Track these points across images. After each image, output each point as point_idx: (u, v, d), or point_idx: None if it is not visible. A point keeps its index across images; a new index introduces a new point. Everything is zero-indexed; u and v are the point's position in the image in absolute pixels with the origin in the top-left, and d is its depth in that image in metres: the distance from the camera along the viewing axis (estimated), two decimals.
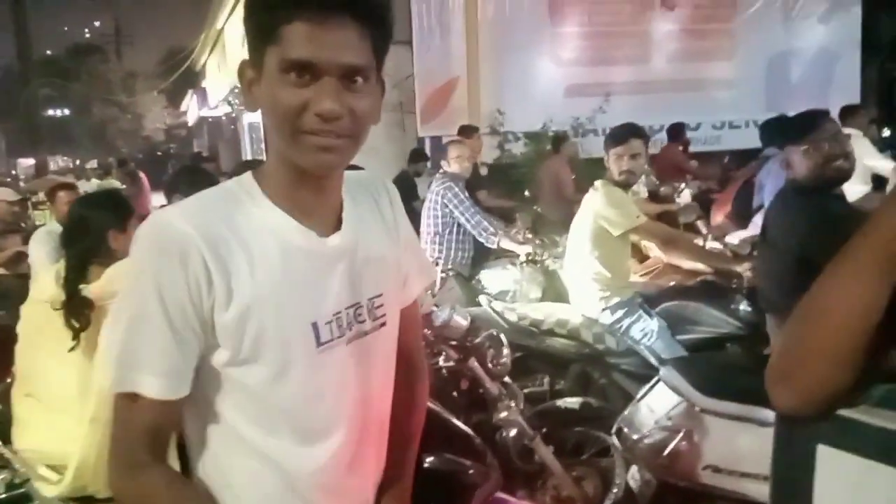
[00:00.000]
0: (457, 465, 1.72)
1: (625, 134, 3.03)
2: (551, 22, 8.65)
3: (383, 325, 1.03)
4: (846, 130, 5.69)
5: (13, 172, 22.01)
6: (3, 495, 1.97)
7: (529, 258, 3.92)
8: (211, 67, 20.10)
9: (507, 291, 3.86)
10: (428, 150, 7.12)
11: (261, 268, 0.90)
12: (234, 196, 0.93)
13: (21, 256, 4.54)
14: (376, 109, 0.92)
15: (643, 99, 8.55)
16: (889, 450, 0.73)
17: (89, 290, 2.03)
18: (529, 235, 4.16)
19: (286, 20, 0.82)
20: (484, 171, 7.05)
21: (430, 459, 1.66)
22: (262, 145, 11.50)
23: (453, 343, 2.20)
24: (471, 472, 1.72)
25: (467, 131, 6.10)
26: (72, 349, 1.97)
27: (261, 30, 0.85)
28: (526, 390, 3.01)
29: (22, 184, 13.36)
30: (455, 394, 2.25)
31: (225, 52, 17.22)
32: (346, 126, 0.87)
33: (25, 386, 2.06)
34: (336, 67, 0.84)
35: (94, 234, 2.12)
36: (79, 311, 1.98)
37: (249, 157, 14.78)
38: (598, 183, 3.09)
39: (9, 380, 2.30)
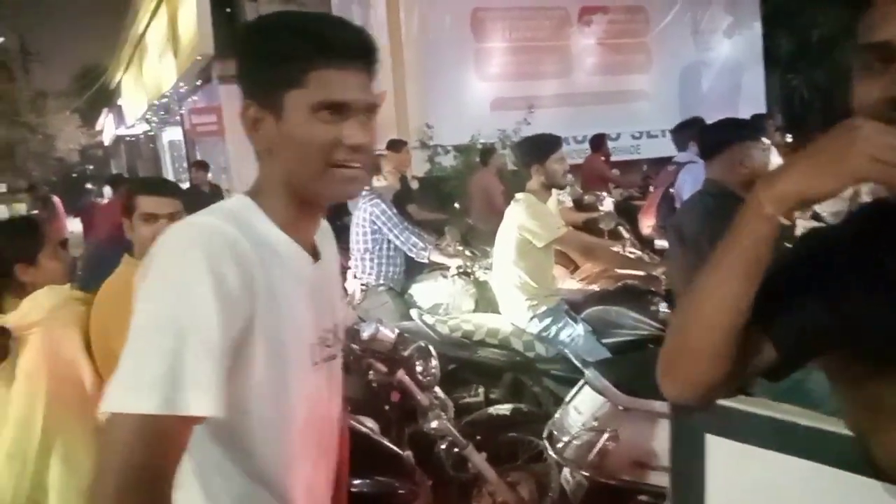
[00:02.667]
0: (386, 487, 1.74)
1: (551, 145, 3.13)
2: (474, 38, 8.85)
3: (341, 346, 1.12)
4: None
5: None
6: None
7: (461, 270, 3.97)
8: (127, 85, 19.39)
9: (441, 304, 3.90)
10: None
11: (277, 288, 0.91)
12: (242, 216, 0.94)
13: None
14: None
15: (565, 111, 8.84)
16: (770, 436, 0.81)
17: (6, 320, 1.93)
18: (460, 248, 4.21)
19: (312, 67, 0.90)
20: (415, 184, 7.09)
21: (358, 482, 1.67)
22: (184, 164, 11.17)
23: (381, 356, 2.22)
24: (400, 492, 1.73)
25: (396, 145, 6.12)
26: None
27: (280, 76, 0.92)
28: (461, 401, 3.07)
29: None
30: (386, 407, 2.27)
31: (142, 67, 16.65)
32: (367, 158, 0.97)
33: None
34: (363, 106, 0.94)
35: (3, 268, 2.02)
36: None
37: (171, 176, 14.30)
38: (519, 195, 3.18)
39: None
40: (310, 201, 0.98)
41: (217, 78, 8.97)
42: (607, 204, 5.22)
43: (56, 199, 9.51)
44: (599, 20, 9.33)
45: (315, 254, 1.03)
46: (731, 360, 0.79)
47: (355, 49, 0.94)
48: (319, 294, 1.02)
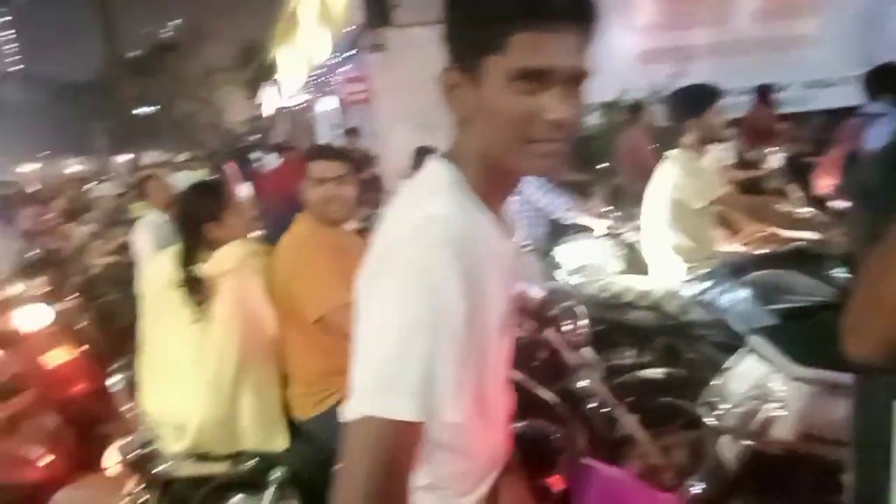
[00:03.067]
0: (541, 431, 1.78)
1: (709, 97, 2.93)
2: None
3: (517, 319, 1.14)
4: None
5: (111, 169, 23.53)
6: (136, 452, 2.20)
7: (608, 232, 3.88)
8: (284, 58, 20.68)
9: (585, 266, 3.85)
10: None
11: (480, 264, 0.88)
12: (459, 195, 0.91)
13: (125, 245, 4.92)
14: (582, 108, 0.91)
15: (723, 61, 8.18)
16: None
17: (202, 270, 2.22)
18: (607, 208, 4.11)
19: (514, 30, 0.82)
20: None
21: (516, 425, 1.72)
22: (338, 131, 11.79)
23: (529, 314, 2.25)
24: (556, 436, 1.77)
25: None
26: (196, 321, 2.17)
27: (481, 39, 0.85)
28: (610, 363, 3.03)
29: (121, 179, 14.27)
30: (534, 364, 2.30)
31: (297, 41, 17.67)
32: (568, 131, 0.87)
33: (148, 356, 2.27)
34: (567, 74, 0.85)
35: (195, 225, 2.31)
36: (196, 289, 2.19)
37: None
38: (672, 153, 3.03)
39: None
40: (505, 174, 0.93)
41: (366, 47, 9.29)
42: (774, 160, 4.80)
43: (228, 166, 10.48)
44: None
45: (506, 225, 1.00)
46: None
47: (566, 9, 0.83)
48: (510, 264, 1.01)
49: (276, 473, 2.14)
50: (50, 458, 2.59)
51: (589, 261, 3.89)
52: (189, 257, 2.26)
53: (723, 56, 8.25)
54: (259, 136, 24.19)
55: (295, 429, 2.19)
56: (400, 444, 0.78)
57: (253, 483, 2.14)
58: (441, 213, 0.86)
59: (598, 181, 5.50)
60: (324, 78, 13.48)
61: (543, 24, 0.82)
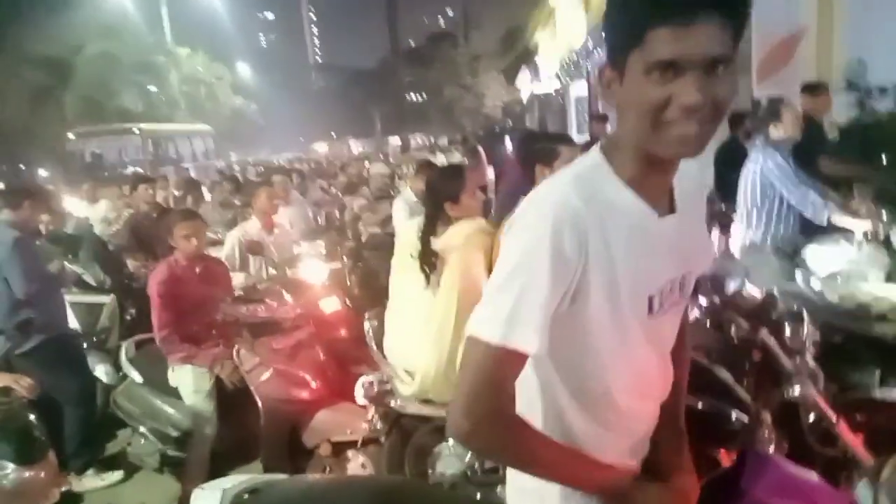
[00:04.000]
0: (722, 410, 1.79)
1: None
2: None
3: (688, 294, 1.21)
4: None
5: (384, 150, 26.41)
6: (377, 388, 2.69)
7: (869, 235, 3.46)
8: (543, 43, 21.09)
9: (838, 272, 3.48)
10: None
11: (613, 245, 1.01)
12: (591, 178, 1.05)
13: (390, 219, 5.69)
14: (735, 88, 0.98)
15: None
16: None
17: (436, 243, 2.61)
18: (873, 208, 3.64)
19: (650, 25, 0.91)
20: (834, 133, 6.19)
21: (692, 400, 1.76)
22: (587, 118, 11.80)
23: (745, 312, 2.21)
24: (737, 420, 1.77)
25: (810, 89, 5.45)
26: (427, 286, 2.58)
27: (624, 37, 0.96)
28: (846, 377, 2.77)
29: (391, 160, 16.02)
30: (746, 365, 2.25)
31: (556, 26, 17.90)
32: (707, 113, 0.95)
33: (392, 310, 2.75)
34: (700, 62, 0.92)
35: (437, 203, 2.69)
36: (429, 260, 2.59)
37: (575, 130, 15.26)
38: None
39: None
40: (652, 159, 1.02)
41: None
42: None
43: (481, 150, 11.20)
44: None
45: (668, 207, 1.09)
46: None
47: (699, 2, 0.90)
48: (667, 246, 1.08)
49: None
50: (317, 383, 3.23)
51: (844, 266, 3.52)
52: (428, 231, 2.66)
53: None
54: (511, 121, 25.03)
55: None
56: (490, 361, 0.98)
57: None
58: (551, 197, 1.03)
59: (872, 175, 4.80)
60: (578, 63, 13.55)
61: (681, 18, 0.90)
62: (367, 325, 2.97)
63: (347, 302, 4.25)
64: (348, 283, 5.14)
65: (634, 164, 1.05)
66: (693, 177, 1.18)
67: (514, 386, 1.01)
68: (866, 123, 6.70)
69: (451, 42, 41.03)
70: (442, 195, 2.70)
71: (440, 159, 13.04)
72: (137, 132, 18.87)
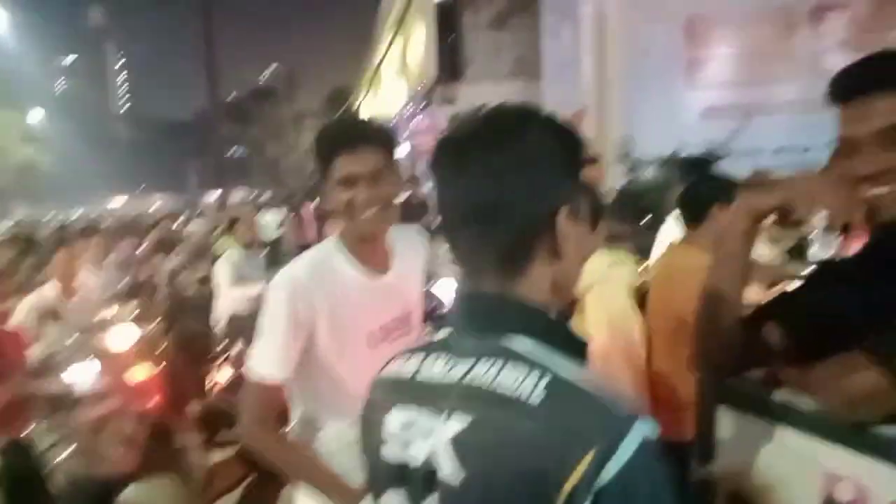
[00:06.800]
0: None
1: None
2: (687, 46, 8.62)
3: (413, 327, 1.66)
4: None
5: (201, 206, 25.17)
6: None
7: None
8: (367, 105, 21.83)
9: None
10: None
11: (338, 301, 1.51)
12: (323, 257, 1.57)
13: (208, 278, 5.50)
14: (399, 186, 1.61)
15: (788, 119, 8.20)
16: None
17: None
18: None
19: (335, 155, 1.50)
20: (610, 198, 7.16)
21: None
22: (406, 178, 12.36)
23: None
24: None
25: (589, 160, 6.28)
26: None
27: (321, 161, 1.53)
28: None
29: (209, 216, 15.34)
30: None
31: (379, 90, 18.70)
32: (383, 204, 1.52)
33: None
34: (367, 175, 1.49)
35: None
36: None
37: None
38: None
39: None
40: (361, 237, 1.55)
41: (437, 100, 9.88)
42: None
43: (307, 207, 11.23)
44: (836, 18, 8.47)
45: (383, 268, 1.59)
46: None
47: (359, 138, 1.50)
48: (381, 295, 1.57)
49: None
50: (125, 456, 3.03)
51: None
52: None
53: (788, 114, 8.26)
54: None
55: None
56: (257, 391, 1.51)
57: None
58: (288, 275, 1.53)
59: (636, 234, 5.64)
60: (398, 127, 14.24)
61: (347, 149, 1.49)
62: None
63: (162, 367, 4.04)
64: (163, 346, 4.86)
65: (353, 242, 1.58)
66: (411, 239, 1.71)
67: (280, 403, 1.52)
68: (635, 190, 7.86)
69: (274, 98, 40.79)
70: None
71: (268, 217, 12.85)
72: None
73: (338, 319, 1.51)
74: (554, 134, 0.81)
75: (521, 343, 0.77)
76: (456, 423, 0.75)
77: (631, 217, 6.93)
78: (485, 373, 0.76)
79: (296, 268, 1.55)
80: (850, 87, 1.02)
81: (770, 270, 3.19)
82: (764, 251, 3.56)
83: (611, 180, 7.19)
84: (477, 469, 0.73)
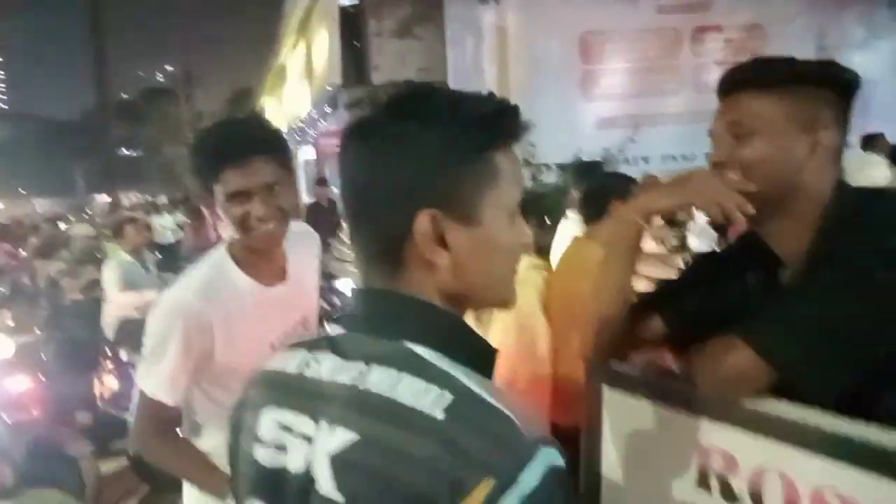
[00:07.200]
0: None
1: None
2: (582, 60, 9.04)
3: (314, 327, 1.64)
4: (870, 158, 5.77)
5: (88, 209, 23.63)
6: None
7: None
8: (270, 108, 21.28)
9: None
10: None
11: (234, 316, 1.43)
12: (215, 273, 1.47)
13: (95, 283, 5.16)
14: (294, 197, 1.48)
15: (674, 129, 8.78)
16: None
17: None
18: None
19: (222, 167, 1.38)
20: None
21: None
22: (315, 180, 12.17)
23: None
24: None
25: None
26: None
27: (205, 172, 1.40)
28: None
29: (98, 220, 14.45)
30: None
31: (282, 93, 18.28)
32: (278, 218, 1.42)
33: None
34: (262, 186, 1.39)
35: None
36: None
37: (304, 191, 15.56)
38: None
39: None
40: (254, 249, 1.47)
41: (343, 105, 9.79)
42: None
43: (205, 210, 10.76)
44: (714, 38, 9.18)
45: (279, 277, 1.52)
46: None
47: (250, 149, 1.37)
48: (279, 305, 1.51)
49: None
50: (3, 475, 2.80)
51: None
52: None
53: (672, 125, 8.84)
54: None
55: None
56: (148, 405, 1.45)
57: None
58: (178, 300, 1.43)
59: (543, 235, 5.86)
60: (304, 130, 13.98)
61: (238, 160, 1.37)
62: None
63: (42, 378, 3.75)
64: (43, 357, 4.51)
65: (245, 255, 1.49)
66: (304, 241, 1.65)
67: (172, 417, 1.48)
68: (537, 194, 8.14)
69: (170, 98, 38.89)
70: None
71: (163, 220, 12.22)
72: None
73: (237, 336, 1.43)
74: (441, 125, 0.70)
75: (421, 349, 0.69)
76: (339, 437, 0.67)
77: (534, 219, 7.21)
78: (378, 381, 0.67)
79: (186, 290, 1.43)
80: (720, 87, 1.14)
81: (657, 263, 3.41)
82: (651, 245, 3.81)
83: None
84: (360, 490, 0.65)
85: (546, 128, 8.54)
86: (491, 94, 0.75)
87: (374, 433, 0.65)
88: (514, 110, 0.74)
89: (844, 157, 1.13)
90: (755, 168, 1.05)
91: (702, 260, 1.52)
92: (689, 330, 1.14)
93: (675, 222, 5.22)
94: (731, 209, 1.03)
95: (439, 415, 0.62)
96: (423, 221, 0.69)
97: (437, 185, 0.69)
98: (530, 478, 0.58)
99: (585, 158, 7.72)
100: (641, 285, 1.54)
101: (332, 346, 0.75)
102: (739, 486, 1.06)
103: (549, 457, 0.60)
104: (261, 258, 1.49)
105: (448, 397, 0.63)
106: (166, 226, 12.00)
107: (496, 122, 0.72)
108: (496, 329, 2.45)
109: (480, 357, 0.73)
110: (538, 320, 2.50)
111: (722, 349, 1.03)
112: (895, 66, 9.44)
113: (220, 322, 1.40)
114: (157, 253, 9.47)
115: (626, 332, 1.21)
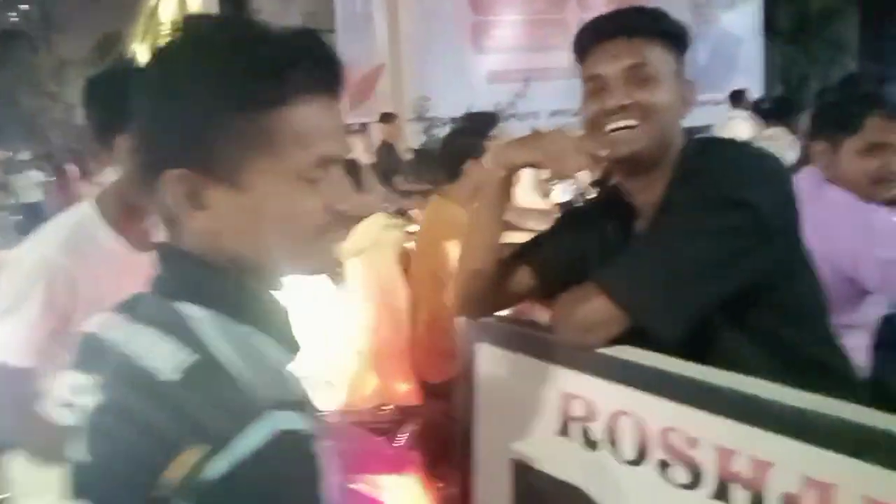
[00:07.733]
0: None
1: None
2: (472, 11, 8.96)
3: None
4: (735, 113, 6.18)
5: None
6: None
7: None
8: (142, 55, 19.68)
9: None
10: None
11: (102, 276, 1.30)
12: (80, 229, 1.36)
13: None
14: None
15: (562, 84, 8.96)
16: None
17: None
18: None
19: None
20: (409, 156, 7.33)
21: None
22: None
23: None
24: None
25: (386, 118, 6.36)
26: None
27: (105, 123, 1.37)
28: None
29: None
30: None
31: (155, 39, 16.92)
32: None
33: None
34: None
35: None
36: None
37: None
38: None
39: None
40: (134, 209, 1.37)
41: None
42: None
43: (71, 167, 9.91)
44: None
45: (148, 240, 1.39)
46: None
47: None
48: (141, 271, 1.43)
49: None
50: None
51: None
52: None
53: (561, 79, 9.01)
54: None
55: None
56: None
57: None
58: (43, 258, 1.33)
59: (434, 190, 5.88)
60: None
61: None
62: None
63: None
64: None
65: (116, 210, 1.38)
66: None
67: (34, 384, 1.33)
68: (432, 148, 8.12)
69: (27, 43, 35.03)
70: None
71: (26, 177, 11.16)
72: None
73: (99, 300, 1.27)
74: (210, 76, 0.64)
75: (194, 309, 0.66)
76: (95, 399, 0.68)
77: (428, 175, 7.19)
78: (133, 343, 0.67)
79: (48, 245, 1.33)
80: (602, 31, 1.15)
81: (541, 217, 3.50)
82: (535, 199, 3.90)
83: (408, 139, 7.32)
84: (99, 451, 0.66)
85: (438, 81, 8.51)
86: (300, 34, 0.68)
87: (118, 396, 0.66)
88: (322, 57, 0.67)
89: (713, 112, 1.21)
90: (658, 114, 1.09)
91: (568, 213, 1.58)
92: (556, 282, 1.18)
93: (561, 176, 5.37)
94: (571, 170, 1.08)
95: (176, 377, 0.61)
96: (169, 180, 0.66)
97: (188, 144, 0.65)
98: (247, 442, 0.58)
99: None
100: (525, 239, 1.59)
101: (129, 308, 0.74)
102: (599, 430, 1.11)
103: (279, 420, 0.59)
104: (131, 215, 1.38)
105: (189, 361, 0.62)
106: (28, 184, 11.00)
107: (288, 72, 0.64)
108: (359, 291, 2.49)
109: (265, 317, 0.70)
110: (398, 281, 2.56)
111: (579, 297, 1.07)
112: (758, 25, 10.10)
113: (85, 283, 1.31)
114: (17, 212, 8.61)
115: (498, 287, 1.22)
